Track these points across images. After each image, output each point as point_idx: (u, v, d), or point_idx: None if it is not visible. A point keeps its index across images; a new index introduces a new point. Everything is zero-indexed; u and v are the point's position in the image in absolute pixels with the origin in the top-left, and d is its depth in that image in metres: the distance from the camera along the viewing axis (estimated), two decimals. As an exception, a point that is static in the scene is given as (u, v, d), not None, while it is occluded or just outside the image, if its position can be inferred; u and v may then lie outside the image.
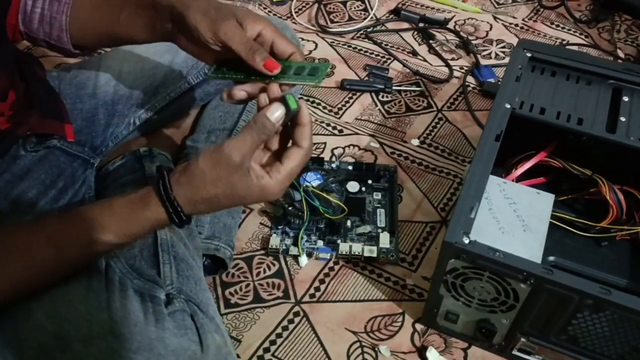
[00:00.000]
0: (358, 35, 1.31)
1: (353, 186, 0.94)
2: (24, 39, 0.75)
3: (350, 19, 1.36)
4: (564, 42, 1.28)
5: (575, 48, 1.26)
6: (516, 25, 1.34)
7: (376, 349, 0.77)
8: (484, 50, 1.26)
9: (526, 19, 1.36)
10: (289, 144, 0.61)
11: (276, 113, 0.58)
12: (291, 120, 0.61)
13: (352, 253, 0.85)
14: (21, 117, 0.70)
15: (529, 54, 0.83)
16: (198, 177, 0.58)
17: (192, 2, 0.63)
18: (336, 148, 1.03)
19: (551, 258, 0.78)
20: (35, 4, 0.71)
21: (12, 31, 0.73)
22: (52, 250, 0.58)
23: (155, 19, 0.67)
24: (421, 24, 1.33)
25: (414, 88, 1.16)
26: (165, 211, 0.58)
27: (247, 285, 0.83)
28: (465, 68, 1.21)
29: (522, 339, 0.69)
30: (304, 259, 0.86)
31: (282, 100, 0.59)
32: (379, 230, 0.88)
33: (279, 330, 0.79)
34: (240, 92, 0.63)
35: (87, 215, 0.59)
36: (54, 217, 0.63)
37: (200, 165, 0.58)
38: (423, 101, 1.14)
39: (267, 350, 0.76)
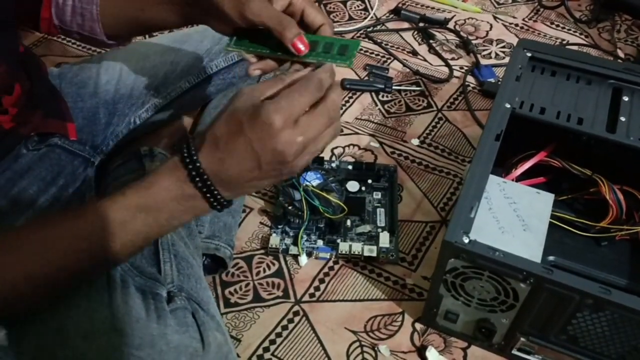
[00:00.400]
0: (358, 34, 1.31)
1: (353, 186, 0.94)
2: (59, 32, 0.75)
3: (351, 18, 1.36)
4: (564, 42, 1.28)
5: (575, 48, 1.26)
6: (516, 25, 1.34)
7: (376, 348, 0.77)
8: (484, 50, 1.26)
9: (526, 19, 1.36)
10: None
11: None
12: None
13: (352, 252, 0.85)
14: (25, 117, 0.70)
15: (529, 54, 0.83)
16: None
17: None
18: (336, 147, 1.03)
19: (551, 258, 0.78)
20: None
21: (46, 25, 0.74)
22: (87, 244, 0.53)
23: (184, 3, 0.66)
24: (421, 24, 1.33)
25: (414, 88, 1.16)
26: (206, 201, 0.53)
27: (247, 285, 0.83)
28: (465, 68, 1.21)
29: (522, 339, 0.69)
30: (303, 259, 0.86)
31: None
32: (379, 230, 0.88)
33: (278, 329, 0.79)
34: (256, 71, 0.62)
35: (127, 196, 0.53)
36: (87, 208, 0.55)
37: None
38: (423, 101, 1.14)
39: (266, 349, 0.76)
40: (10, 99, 0.68)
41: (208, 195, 0.53)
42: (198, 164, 0.51)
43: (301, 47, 0.58)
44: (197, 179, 0.52)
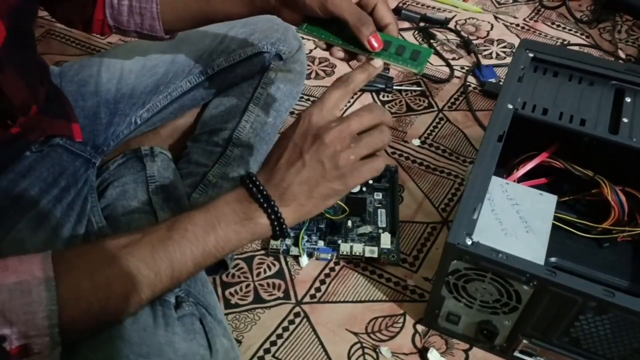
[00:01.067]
0: (359, 34, 1.31)
1: (354, 186, 0.93)
2: (113, 33, 0.75)
3: (351, 18, 1.36)
4: (565, 43, 1.28)
5: (576, 48, 1.26)
6: (517, 25, 1.34)
7: (377, 350, 0.76)
8: (484, 50, 1.26)
9: (527, 19, 1.36)
10: None
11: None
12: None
13: (353, 253, 0.85)
14: (33, 123, 0.70)
15: (531, 54, 0.83)
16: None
17: None
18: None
19: (553, 259, 0.77)
20: None
21: (100, 26, 0.74)
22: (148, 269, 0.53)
23: None
24: (422, 24, 1.33)
25: (414, 88, 1.16)
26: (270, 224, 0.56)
27: (248, 286, 0.83)
28: (466, 68, 1.21)
29: (524, 341, 0.69)
30: (304, 260, 0.85)
31: None
32: (380, 231, 0.88)
33: (279, 331, 0.78)
34: (339, 52, 0.63)
35: (196, 219, 0.55)
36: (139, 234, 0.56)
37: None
38: (424, 101, 1.13)
39: (267, 351, 0.76)
40: (25, 118, 0.68)
41: (265, 206, 0.55)
42: (254, 177, 0.56)
43: (375, 44, 0.60)
44: (249, 182, 0.56)
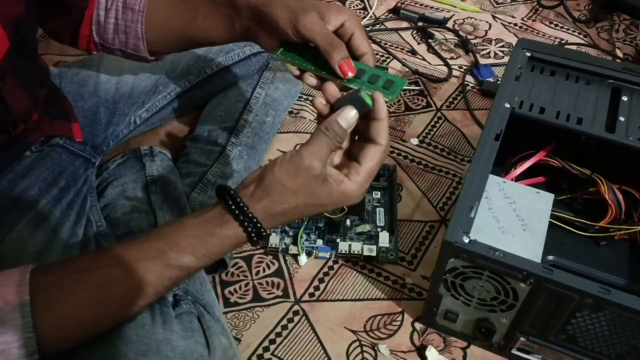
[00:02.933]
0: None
1: (352, 185, 0.93)
2: (98, 50, 0.75)
3: (350, 17, 1.36)
4: (563, 42, 1.28)
5: (574, 47, 1.26)
6: (515, 24, 1.34)
7: (375, 348, 0.77)
8: (483, 50, 1.26)
9: (525, 19, 1.36)
10: (366, 141, 0.57)
11: (349, 118, 0.56)
12: (365, 115, 0.57)
13: (352, 252, 0.85)
14: (34, 125, 0.70)
15: (528, 54, 0.83)
16: (276, 189, 0.54)
17: None
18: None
19: (550, 257, 0.78)
20: (108, 15, 0.70)
21: (86, 42, 0.73)
22: (125, 278, 0.53)
23: (235, 17, 0.66)
24: (420, 23, 1.33)
25: (413, 87, 1.16)
26: (244, 230, 0.55)
27: (247, 284, 0.83)
28: (465, 67, 1.22)
29: (522, 338, 0.70)
30: (303, 258, 0.86)
31: (355, 96, 0.56)
32: (378, 230, 0.88)
33: (278, 329, 0.79)
34: (311, 78, 0.62)
35: (162, 235, 0.55)
36: (123, 245, 0.56)
37: (277, 176, 0.54)
38: (422, 100, 1.14)
39: (266, 349, 0.76)
40: (25, 125, 0.68)
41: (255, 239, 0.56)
42: (259, 225, 0.55)
43: (346, 70, 0.59)
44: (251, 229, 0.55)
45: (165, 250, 0.53)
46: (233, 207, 0.54)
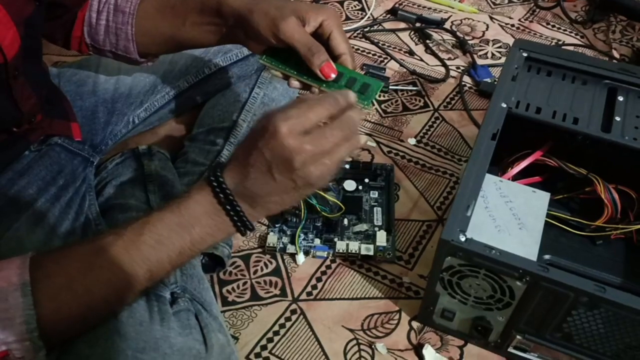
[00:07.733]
0: (355, 34, 1.32)
1: (350, 185, 0.94)
2: (90, 51, 0.76)
3: (348, 18, 1.37)
4: (560, 43, 1.29)
5: (570, 48, 1.27)
6: (512, 25, 1.35)
7: (373, 346, 0.77)
8: (480, 50, 1.27)
9: (522, 20, 1.37)
10: None
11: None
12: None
13: (349, 251, 0.85)
14: (35, 125, 0.71)
15: (525, 54, 0.84)
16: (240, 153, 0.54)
17: (255, 5, 0.63)
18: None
19: (546, 256, 0.78)
20: (100, 16, 0.71)
21: (77, 43, 0.74)
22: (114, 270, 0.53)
23: (221, 25, 0.67)
24: (418, 24, 1.34)
25: (410, 87, 1.17)
26: (214, 195, 0.54)
27: (245, 283, 0.84)
28: (462, 68, 1.22)
29: (518, 337, 0.70)
30: (301, 257, 0.86)
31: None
32: (376, 229, 0.88)
33: (276, 328, 0.79)
34: (295, 82, 0.63)
35: (170, 223, 0.54)
36: (110, 233, 0.55)
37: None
38: (420, 100, 1.14)
39: (264, 347, 0.77)
40: (29, 125, 0.68)
41: (232, 213, 0.54)
42: (221, 179, 0.53)
43: (328, 72, 0.60)
44: (218, 190, 0.53)
45: (153, 223, 0.54)
46: (211, 177, 0.54)
